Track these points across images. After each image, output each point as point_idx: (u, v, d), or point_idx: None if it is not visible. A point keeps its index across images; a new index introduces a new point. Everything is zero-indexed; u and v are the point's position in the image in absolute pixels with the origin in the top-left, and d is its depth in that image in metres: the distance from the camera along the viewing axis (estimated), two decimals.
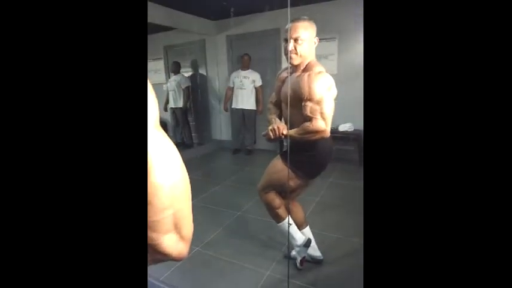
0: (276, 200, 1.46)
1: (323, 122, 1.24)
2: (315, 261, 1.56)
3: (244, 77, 3.77)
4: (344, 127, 3.19)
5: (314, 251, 1.56)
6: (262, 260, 1.63)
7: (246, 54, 3.79)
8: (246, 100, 3.82)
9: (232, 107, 3.92)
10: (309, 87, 1.24)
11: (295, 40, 1.27)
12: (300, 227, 1.55)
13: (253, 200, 2.29)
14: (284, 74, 1.45)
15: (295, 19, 1.29)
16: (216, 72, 4.35)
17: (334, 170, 2.96)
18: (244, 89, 3.77)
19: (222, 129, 4.47)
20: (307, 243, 1.49)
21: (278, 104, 1.53)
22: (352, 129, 3.20)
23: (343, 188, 2.64)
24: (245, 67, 3.80)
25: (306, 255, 1.52)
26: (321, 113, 1.24)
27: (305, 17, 1.30)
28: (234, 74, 3.87)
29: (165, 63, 4.76)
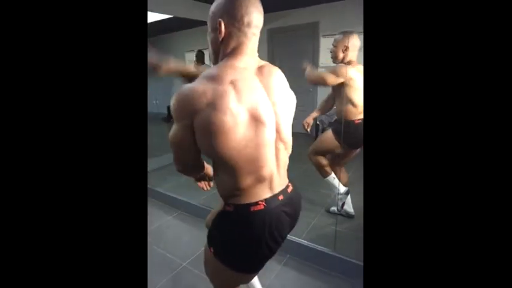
0: (323, 160, 1.99)
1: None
2: (349, 216, 2.04)
3: None
4: None
5: (349, 208, 2.05)
6: (308, 212, 2.13)
7: None
8: None
9: None
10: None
11: (333, 45, 1.80)
12: (344, 186, 2.05)
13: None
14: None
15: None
16: None
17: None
18: None
19: None
20: (347, 192, 2.01)
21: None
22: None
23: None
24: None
25: (345, 201, 2.03)
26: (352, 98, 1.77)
27: (340, 33, 1.78)
28: None
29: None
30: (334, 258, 1.56)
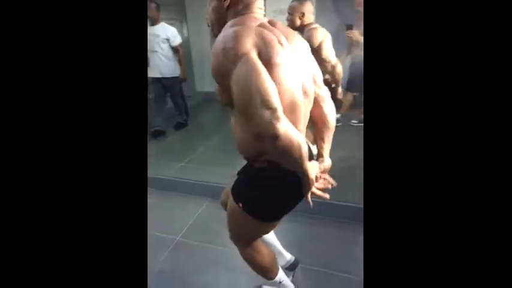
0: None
1: None
2: None
3: (154, 35, 2.76)
4: None
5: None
6: None
7: (153, 1, 2.69)
8: (162, 66, 2.84)
9: (148, 76, 2.83)
10: None
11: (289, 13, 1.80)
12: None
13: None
14: None
15: None
16: (198, 26, 4.15)
17: None
18: (156, 51, 2.80)
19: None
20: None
21: None
22: None
23: None
24: (154, 21, 2.76)
25: None
26: None
27: (294, 1, 1.76)
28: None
29: None
30: (327, 205, 1.66)
